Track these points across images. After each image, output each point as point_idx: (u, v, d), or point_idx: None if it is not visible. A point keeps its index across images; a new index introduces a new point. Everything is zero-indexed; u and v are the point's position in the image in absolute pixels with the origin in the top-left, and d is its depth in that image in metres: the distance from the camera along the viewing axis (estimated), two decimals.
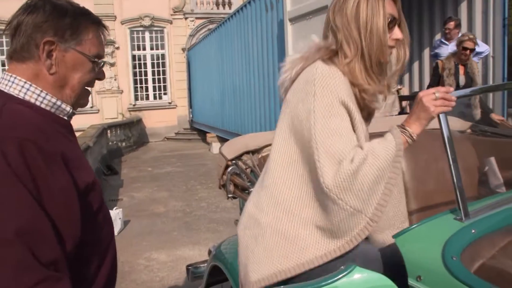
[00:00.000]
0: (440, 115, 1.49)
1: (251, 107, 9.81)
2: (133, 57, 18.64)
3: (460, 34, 6.20)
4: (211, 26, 17.38)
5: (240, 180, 2.58)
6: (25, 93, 1.22)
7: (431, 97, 1.45)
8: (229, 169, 2.67)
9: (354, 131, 1.46)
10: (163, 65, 18.78)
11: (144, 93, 18.70)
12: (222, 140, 13.06)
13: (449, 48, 6.15)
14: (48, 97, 1.24)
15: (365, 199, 1.36)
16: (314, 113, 1.42)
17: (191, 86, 17.60)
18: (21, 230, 1.05)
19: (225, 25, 11.83)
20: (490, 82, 6.31)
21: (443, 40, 6.40)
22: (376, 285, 1.40)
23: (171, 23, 18.72)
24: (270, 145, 2.85)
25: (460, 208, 1.42)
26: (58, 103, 1.26)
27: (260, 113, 9.16)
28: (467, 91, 1.90)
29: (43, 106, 1.24)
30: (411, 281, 1.36)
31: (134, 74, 18.66)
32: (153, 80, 18.70)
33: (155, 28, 18.74)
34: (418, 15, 7.93)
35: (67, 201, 1.16)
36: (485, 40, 6.34)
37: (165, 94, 18.83)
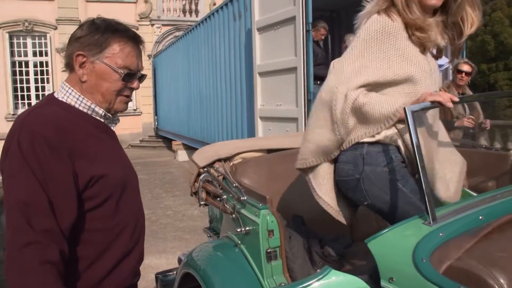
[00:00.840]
0: (410, 126, 1.56)
1: (218, 115, 9.81)
2: None
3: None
4: (177, 33, 17.32)
5: (212, 187, 2.60)
6: (68, 97, 1.51)
7: (429, 93, 1.72)
8: (201, 176, 2.69)
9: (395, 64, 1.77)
10: None
11: None
12: (188, 148, 12.98)
13: None
14: (84, 101, 1.51)
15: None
16: (351, 49, 1.84)
17: (157, 93, 17.46)
18: (21, 201, 1.31)
19: (193, 32, 11.81)
20: None
21: None
22: (351, 287, 1.45)
23: (137, 29, 18.48)
24: (241, 153, 2.91)
25: (429, 213, 1.49)
26: (93, 106, 1.53)
27: (227, 121, 9.17)
28: (427, 104, 1.94)
29: (81, 108, 1.51)
30: (383, 283, 1.42)
31: None
32: None
33: None
34: None
35: (64, 185, 1.37)
36: (445, 54, 6.58)
37: (130, 100, 18.52)
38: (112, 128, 1.63)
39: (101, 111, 1.55)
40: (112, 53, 1.48)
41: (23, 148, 1.34)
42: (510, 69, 32.06)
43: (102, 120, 1.57)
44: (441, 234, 1.43)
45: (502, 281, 1.24)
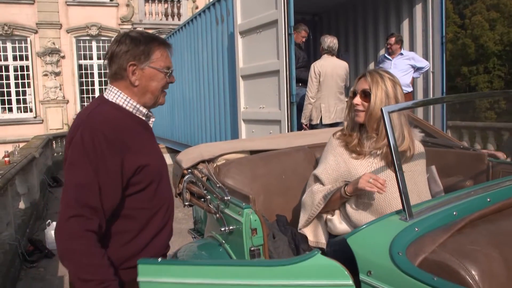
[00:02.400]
0: (388, 130, 1.62)
1: (201, 118, 9.81)
2: (79, 66, 18.26)
3: (402, 50, 6.53)
4: None
5: (196, 188, 2.63)
6: (117, 98, 1.84)
7: (366, 179, 1.99)
8: (186, 177, 2.72)
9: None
10: None
11: None
12: (172, 151, 12.94)
13: (391, 63, 6.46)
14: (131, 102, 1.85)
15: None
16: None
17: None
18: (76, 183, 1.64)
19: (175, 36, 11.81)
20: (431, 96, 6.67)
21: (386, 55, 6.70)
22: (332, 273, 1.51)
23: (119, 32, 18.43)
24: (224, 154, 2.94)
25: (405, 209, 1.55)
26: (137, 106, 1.87)
27: (210, 124, 9.19)
28: (409, 103, 2.05)
29: (127, 108, 1.85)
30: (362, 276, 1.47)
31: (80, 84, 18.25)
32: (100, 90, 18.27)
33: (103, 38, 18.43)
34: (364, 32, 8.28)
35: (113, 174, 1.69)
36: (426, 57, 6.70)
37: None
38: (150, 124, 1.95)
39: (144, 110, 1.88)
40: (156, 58, 1.84)
41: (84, 141, 1.65)
42: (490, 72, 32.62)
43: (144, 118, 1.90)
44: (416, 229, 1.49)
45: (473, 272, 1.30)
